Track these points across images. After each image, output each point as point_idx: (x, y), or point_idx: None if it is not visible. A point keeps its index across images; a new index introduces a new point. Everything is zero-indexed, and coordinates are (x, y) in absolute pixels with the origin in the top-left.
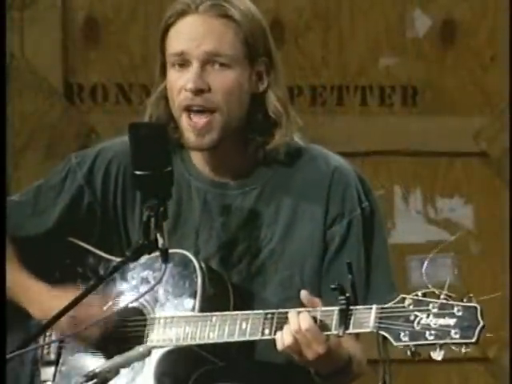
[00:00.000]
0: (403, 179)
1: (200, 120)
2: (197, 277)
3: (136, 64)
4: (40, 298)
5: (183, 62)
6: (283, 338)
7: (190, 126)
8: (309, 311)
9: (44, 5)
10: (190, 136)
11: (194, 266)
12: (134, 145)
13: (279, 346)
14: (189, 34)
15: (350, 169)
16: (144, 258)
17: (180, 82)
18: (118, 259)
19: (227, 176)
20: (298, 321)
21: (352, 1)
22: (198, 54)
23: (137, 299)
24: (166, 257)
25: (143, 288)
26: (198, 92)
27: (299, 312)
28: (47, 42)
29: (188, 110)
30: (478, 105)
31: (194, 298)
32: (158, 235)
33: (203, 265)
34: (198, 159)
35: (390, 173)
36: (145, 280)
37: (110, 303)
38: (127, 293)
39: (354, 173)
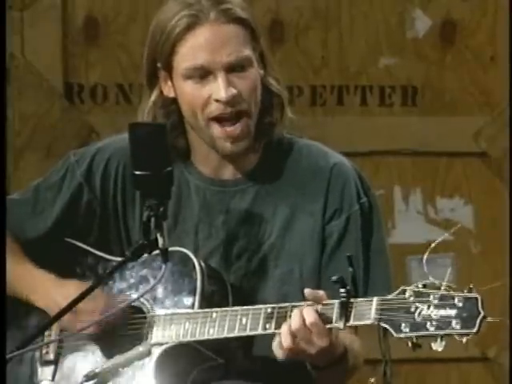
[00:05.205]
0: (403, 179)
1: (235, 129)
2: (196, 274)
3: (136, 64)
4: (44, 285)
5: (204, 74)
6: (282, 342)
7: (225, 135)
8: (311, 305)
9: (44, 5)
10: (226, 145)
11: (193, 264)
12: (133, 145)
13: (280, 355)
14: (207, 46)
15: (349, 165)
16: (143, 257)
17: (204, 93)
18: (117, 259)
19: (228, 174)
20: (302, 316)
21: (352, 1)
22: (221, 65)
23: (137, 299)
24: (165, 256)
25: (142, 287)
26: (230, 101)
27: (302, 308)
28: (47, 42)
29: (218, 118)
30: (478, 105)
31: (194, 295)
32: (158, 235)
33: (202, 263)
34: (199, 159)
35: (390, 173)
36: (144, 279)
37: (114, 299)
38: (126, 292)
39: (352, 169)
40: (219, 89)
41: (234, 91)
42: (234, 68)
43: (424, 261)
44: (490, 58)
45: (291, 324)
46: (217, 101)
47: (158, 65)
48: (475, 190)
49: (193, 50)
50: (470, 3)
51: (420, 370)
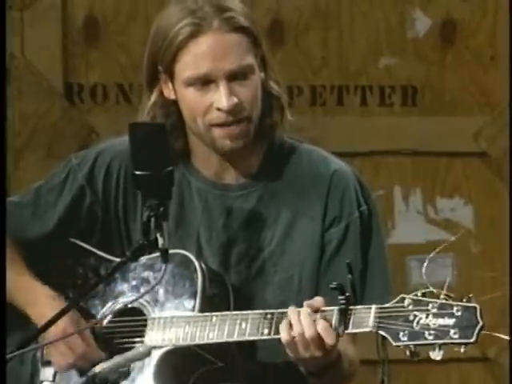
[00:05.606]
0: (403, 179)
1: (235, 128)
2: (197, 277)
3: (136, 64)
4: (41, 301)
5: (206, 82)
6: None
7: (225, 134)
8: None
9: (44, 5)
10: (225, 142)
11: (195, 267)
12: (134, 145)
13: (285, 337)
14: (210, 54)
15: (350, 172)
16: (145, 259)
17: (206, 101)
18: (119, 259)
19: (229, 178)
20: (312, 324)
21: (352, 1)
22: (223, 74)
23: (136, 300)
24: (165, 257)
25: (144, 288)
26: (231, 110)
27: (313, 318)
28: (47, 41)
29: (219, 124)
30: (478, 105)
31: (194, 298)
32: (158, 235)
33: (204, 265)
34: (199, 161)
35: (390, 173)
36: (145, 280)
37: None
38: (128, 293)
39: (353, 176)
40: (221, 98)
41: (235, 100)
42: (236, 76)
43: (424, 267)
44: (490, 57)
45: (306, 331)
46: (218, 109)
47: (159, 68)
48: (475, 189)
49: (195, 59)
50: (470, 3)
51: (420, 371)
